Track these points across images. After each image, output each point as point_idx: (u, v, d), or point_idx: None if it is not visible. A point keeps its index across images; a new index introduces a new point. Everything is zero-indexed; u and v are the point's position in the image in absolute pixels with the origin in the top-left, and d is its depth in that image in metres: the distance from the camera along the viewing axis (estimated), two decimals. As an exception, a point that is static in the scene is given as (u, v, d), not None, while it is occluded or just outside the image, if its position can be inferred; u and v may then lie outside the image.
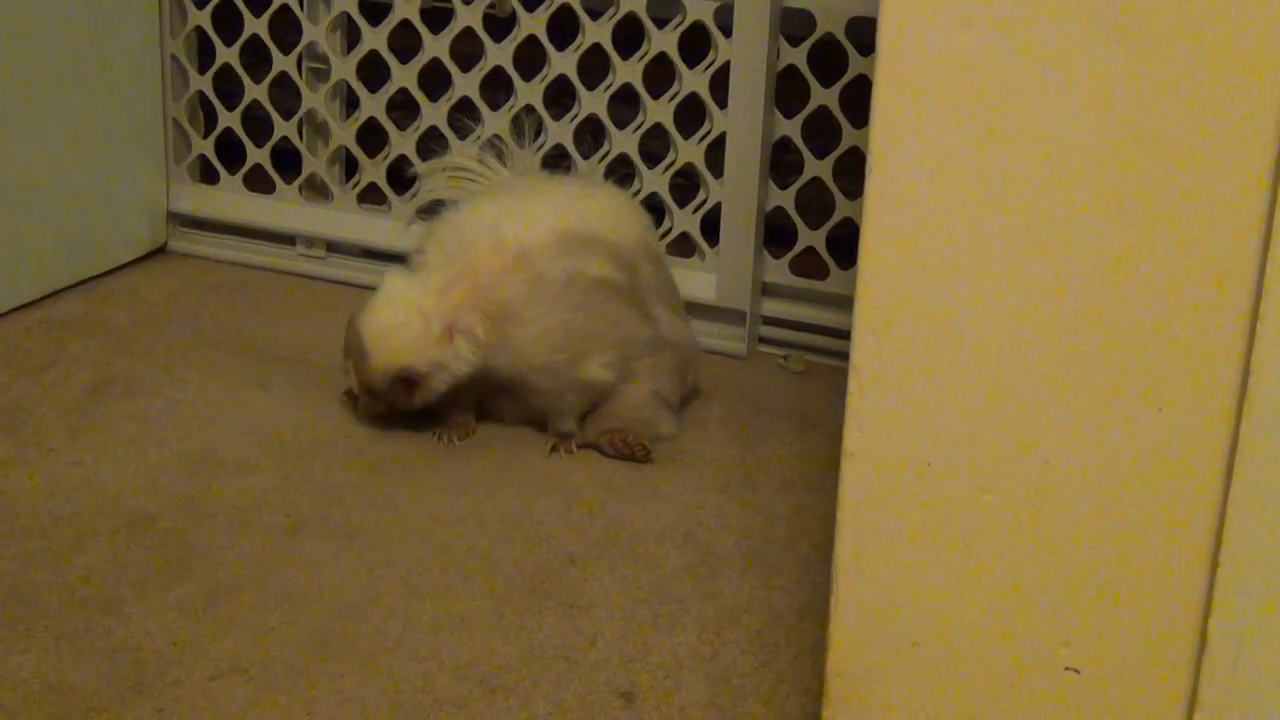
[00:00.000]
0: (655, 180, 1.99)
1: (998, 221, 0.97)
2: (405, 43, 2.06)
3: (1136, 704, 1.02)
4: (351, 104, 2.13)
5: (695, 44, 1.93)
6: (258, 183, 2.19)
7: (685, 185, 1.99)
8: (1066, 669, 1.03)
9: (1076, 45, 0.92)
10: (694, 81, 1.93)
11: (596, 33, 1.97)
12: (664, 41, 1.93)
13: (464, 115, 2.04)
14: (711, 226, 1.97)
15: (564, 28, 1.98)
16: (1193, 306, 0.94)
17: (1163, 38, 0.91)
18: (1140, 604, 1.00)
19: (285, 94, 2.14)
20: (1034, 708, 1.04)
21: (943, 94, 0.96)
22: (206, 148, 2.19)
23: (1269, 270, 0.91)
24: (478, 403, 1.77)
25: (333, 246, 2.16)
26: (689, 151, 1.96)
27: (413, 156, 2.07)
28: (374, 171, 2.11)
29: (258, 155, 2.16)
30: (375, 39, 2.06)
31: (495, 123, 2.01)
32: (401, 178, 2.10)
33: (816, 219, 1.96)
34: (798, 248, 1.97)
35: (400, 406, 1.71)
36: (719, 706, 1.32)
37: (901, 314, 1.00)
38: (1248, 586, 0.96)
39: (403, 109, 2.09)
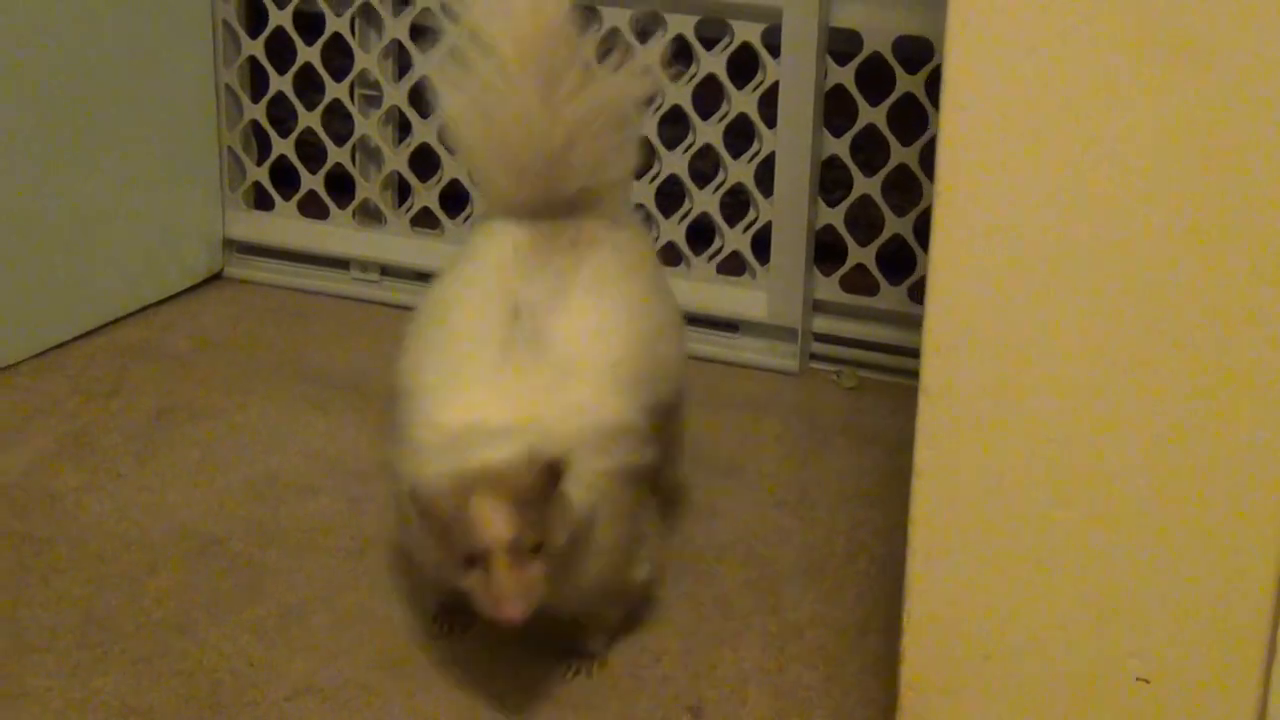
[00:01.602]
0: (705, 200, 2.01)
1: (1064, 240, 0.98)
2: (456, 68, 2.08)
3: (1206, 714, 1.03)
4: (404, 129, 2.16)
5: (744, 65, 1.95)
6: (312, 208, 2.22)
7: (735, 204, 2.01)
8: (1137, 679, 1.04)
9: (1140, 66, 0.94)
10: (743, 102, 1.95)
11: (645, 55, 1.98)
12: (713, 63, 1.96)
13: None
14: (762, 245, 1.99)
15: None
16: (1259, 322, 0.95)
17: (1225, 58, 0.92)
18: (1209, 614, 1.01)
19: (338, 120, 2.17)
20: (1105, 718, 1.06)
21: (1008, 115, 0.98)
22: (261, 175, 2.22)
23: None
24: None
25: (386, 270, 2.19)
26: (739, 171, 1.98)
27: (465, 180, 2.10)
28: (427, 195, 2.14)
29: (311, 181, 2.19)
30: (426, 65, 2.08)
31: (546, 146, 2.03)
32: (454, 201, 2.12)
33: (866, 235, 1.97)
34: (848, 264, 1.99)
35: (551, 538, 1.22)
36: (786, 721, 1.34)
37: (969, 333, 1.01)
38: (1316, 596, 0.97)
39: (454, 134, 2.11)
